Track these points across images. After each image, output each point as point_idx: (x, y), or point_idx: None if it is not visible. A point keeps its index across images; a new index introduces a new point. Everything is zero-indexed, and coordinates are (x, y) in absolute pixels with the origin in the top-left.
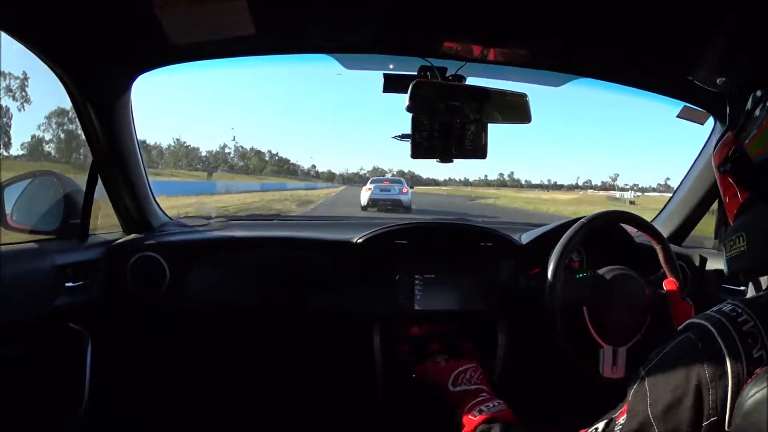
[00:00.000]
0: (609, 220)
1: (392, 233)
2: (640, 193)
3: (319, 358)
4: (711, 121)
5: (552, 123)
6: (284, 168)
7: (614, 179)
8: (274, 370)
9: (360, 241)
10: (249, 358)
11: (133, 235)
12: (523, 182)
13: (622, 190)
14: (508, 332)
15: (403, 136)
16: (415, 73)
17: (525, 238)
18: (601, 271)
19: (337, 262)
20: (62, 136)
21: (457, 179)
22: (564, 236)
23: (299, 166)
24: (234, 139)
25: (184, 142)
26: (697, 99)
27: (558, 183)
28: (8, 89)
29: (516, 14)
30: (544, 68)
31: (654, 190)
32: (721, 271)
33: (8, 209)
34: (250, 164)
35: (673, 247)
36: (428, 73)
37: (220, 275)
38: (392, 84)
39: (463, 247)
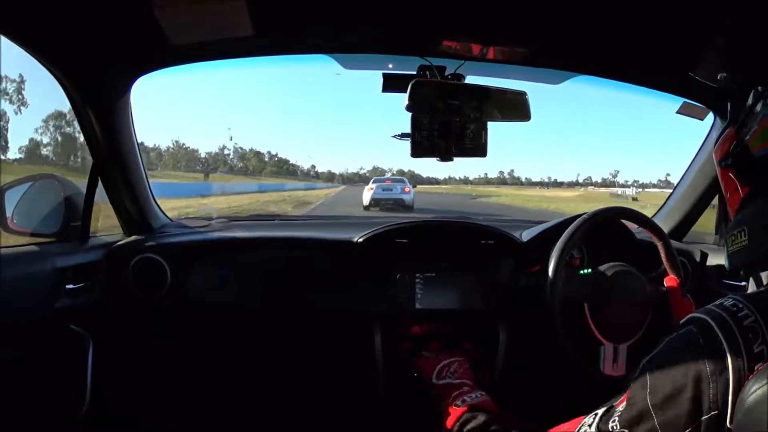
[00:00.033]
0: (610, 217)
1: (393, 232)
2: (640, 189)
3: (320, 357)
4: (710, 116)
5: (552, 120)
6: (284, 168)
7: (614, 176)
8: (275, 371)
9: (360, 240)
10: (250, 358)
11: (133, 237)
12: (523, 180)
13: (623, 186)
14: (509, 331)
15: (403, 135)
16: (415, 73)
17: (525, 235)
18: (602, 268)
19: (338, 261)
20: (59, 139)
21: (457, 178)
22: (565, 233)
23: (299, 166)
24: (231, 139)
25: (183, 144)
26: (697, 95)
27: (558, 180)
28: (5, 92)
29: (515, 13)
30: (544, 66)
31: (654, 186)
32: (721, 266)
33: (9, 212)
34: (249, 165)
35: (674, 243)
36: (427, 72)
37: (221, 276)
38: (391, 83)
39: (464, 246)
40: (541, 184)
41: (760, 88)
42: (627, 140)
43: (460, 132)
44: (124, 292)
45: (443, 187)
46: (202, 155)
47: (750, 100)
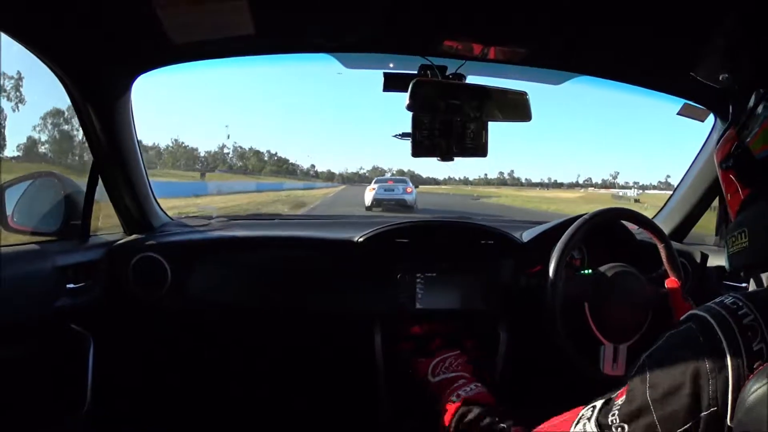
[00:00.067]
0: (610, 218)
1: (393, 232)
2: (641, 191)
3: (320, 357)
4: (711, 118)
5: (552, 121)
6: (283, 168)
7: (614, 177)
8: (275, 370)
9: (361, 240)
10: (250, 358)
11: (134, 236)
12: (523, 181)
13: (623, 188)
14: (510, 331)
15: (404, 135)
16: (416, 72)
17: (526, 236)
18: (602, 269)
19: (339, 261)
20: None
21: (457, 178)
22: (565, 234)
23: (298, 165)
24: (228, 137)
25: (183, 143)
26: (698, 96)
27: (558, 181)
28: (2, 89)
29: (515, 13)
30: (544, 66)
31: (655, 187)
32: (722, 267)
33: (9, 211)
34: (248, 164)
35: (675, 244)
36: (428, 71)
37: (222, 275)
38: (392, 83)
39: (464, 246)
40: (541, 185)
41: (761, 90)
42: (627, 142)
43: (460, 132)
44: (124, 291)
45: (443, 187)
46: (202, 154)
47: (751, 102)
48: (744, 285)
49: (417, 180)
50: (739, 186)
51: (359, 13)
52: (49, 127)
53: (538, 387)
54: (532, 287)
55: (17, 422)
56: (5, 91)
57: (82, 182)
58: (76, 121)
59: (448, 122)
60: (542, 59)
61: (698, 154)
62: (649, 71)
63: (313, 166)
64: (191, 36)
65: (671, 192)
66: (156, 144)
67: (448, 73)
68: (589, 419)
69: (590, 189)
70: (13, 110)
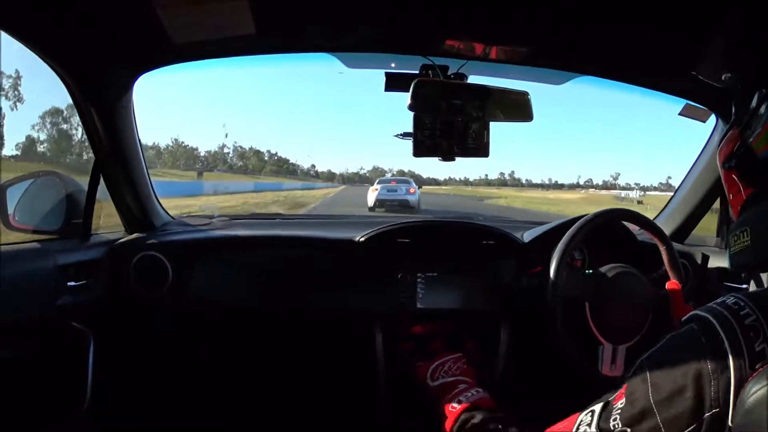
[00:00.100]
0: (611, 218)
1: (395, 232)
2: (643, 193)
3: (321, 357)
4: (712, 119)
5: (553, 121)
6: (283, 168)
7: (615, 178)
8: (276, 370)
9: (362, 239)
10: (251, 357)
11: (135, 235)
12: (523, 181)
13: (624, 189)
14: (511, 331)
15: (405, 135)
16: (417, 72)
17: (527, 236)
18: (603, 269)
19: (340, 260)
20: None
21: (458, 179)
22: (566, 234)
23: (299, 165)
24: (226, 136)
25: (183, 142)
26: (699, 97)
27: (559, 182)
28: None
29: (515, 13)
30: (545, 66)
31: (656, 189)
32: (723, 269)
33: (11, 209)
34: (248, 164)
35: (676, 245)
36: (430, 71)
37: (223, 274)
38: (394, 82)
39: (466, 246)
40: (542, 186)
41: (764, 90)
42: (628, 143)
43: (462, 132)
44: (125, 290)
45: (443, 188)
46: (202, 154)
47: (754, 102)
48: (745, 286)
49: (418, 180)
50: (742, 186)
51: (359, 13)
52: (48, 126)
53: (539, 387)
54: (533, 287)
55: (18, 420)
56: (4, 90)
57: (84, 181)
58: (74, 120)
59: (450, 122)
60: (543, 59)
61: (699, 155)
62: (650, 71)
63: (313, 166)
64: (192, 36)
65: (672, 193)
66: (156, 144)
67: (449, 72)
68: (589, 425)
69: (591, 190)
70: (12, 109)
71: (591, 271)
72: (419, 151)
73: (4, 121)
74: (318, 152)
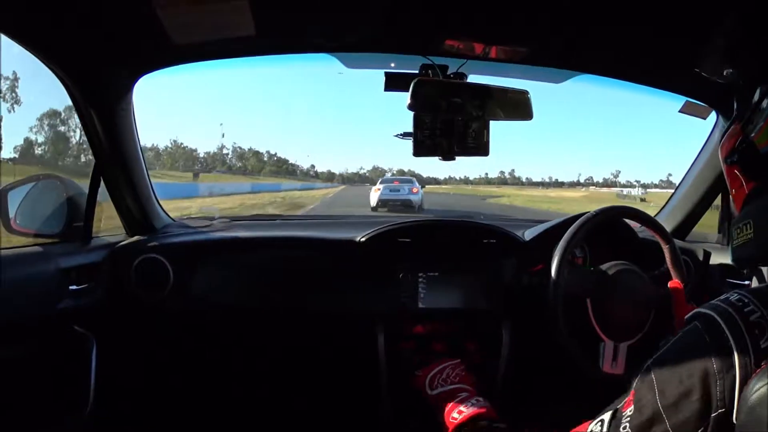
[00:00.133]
0: (613, 216)
1: (395, 231)
2: (645, 190)
3: (322, 357)
4: (713, 116)
5: (553, 119)
6: (283, 168)
7: (616, 176)
8: (277, 371)
9: (363, 239)
10: (252, 358)
11: (136, 237)
12: (524, 180)
13: (625, 186)
14: (512, 330)
15: (405, 135)
16: (417, 71)
17: (528, 234)
18: (604, 267)
19: (341, 261)
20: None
21: (458, 177)
22: (567, 232)
23: (298, 166)
24: (223, 136)
25: (182, 144)
26: (700, 93)
27: (559, 180)
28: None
29: (515, 13)
30: (545, 65)
31: (656, 186)
32: (725, 265)
33: (12, 213)
34: (248, 165)
35: (677, 242)
36: (430, 71)
37: (224, 276)
38: (394, 82)
39: (466, 245)
40: (542, 185)
41: (766, 85)
42: (628, 140)
43: (462, 131)
44: (126, 293)
45: (443, 187)
46: (201, 155)
47: (756, 97)
48: (747, 283)
49: (418, 180)
50: (744, 180)
51: (359, 13)
52: (46, 128)
53: (540, 386)
54: (534, 286)
55: (20, 423)
56: (1, 92)
57: (84, 184)
58: (71, 123)
59: (450, 121)
60: (543, 58)
61: (700, 151)
62: (651, 70)
63: (312, 166)
64: (192, 36)
65: (673, 190)
66: (155, 145)
67: (449, 72)
68: None
69: (592, 188)
70: (9, 111)
71: (592, 268)
72: (419, 151)
73: (2, 124)
74: (318, 152)
